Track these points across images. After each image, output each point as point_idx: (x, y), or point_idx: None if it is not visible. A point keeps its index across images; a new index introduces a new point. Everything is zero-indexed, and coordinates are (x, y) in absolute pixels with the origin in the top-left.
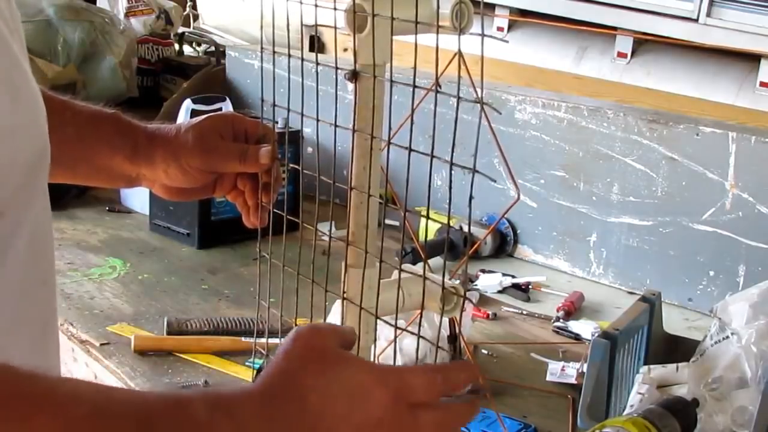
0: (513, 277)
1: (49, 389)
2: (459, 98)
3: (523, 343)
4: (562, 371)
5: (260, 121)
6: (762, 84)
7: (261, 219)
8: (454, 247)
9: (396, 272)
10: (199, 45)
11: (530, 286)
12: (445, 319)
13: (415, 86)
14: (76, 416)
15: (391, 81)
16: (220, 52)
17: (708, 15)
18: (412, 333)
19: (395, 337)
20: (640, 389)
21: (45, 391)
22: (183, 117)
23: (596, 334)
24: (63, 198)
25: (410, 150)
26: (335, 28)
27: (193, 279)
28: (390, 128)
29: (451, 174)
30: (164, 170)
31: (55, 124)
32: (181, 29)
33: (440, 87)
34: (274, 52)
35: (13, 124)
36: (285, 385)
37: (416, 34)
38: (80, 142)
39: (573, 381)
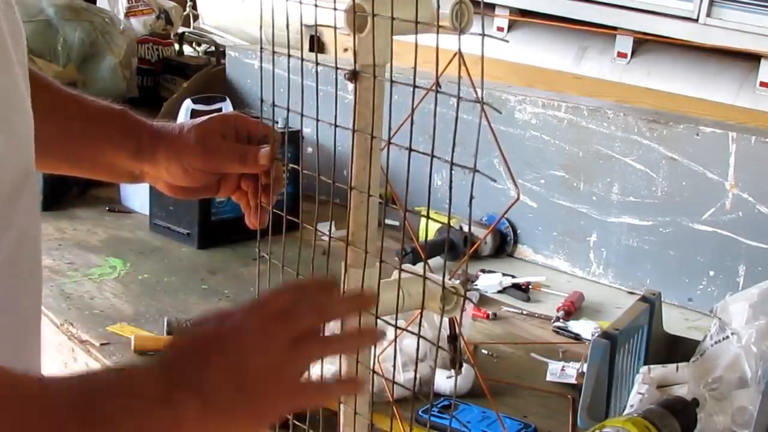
0: (513, 277)
1: None
2: (459, 98)
3: (523, 343)
4: (562, 371)
5: (264, 121)
6: (762, 84)
7: (261, 220)
8: (454, 247)
9: (396, 272)
10: (199, 45)
11: (530, 286)
12: (445, 319)
13: (415, 86)
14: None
15: (391, 81)
16: (220, 52)
17: (708, 15)
18: (412, 333)
19: (395, 337)
20: (640, 389)
21: None
22: (183, 117)
23: (596, 334)
24: (63, 198)
25: (410, 150)
26: (335, 28)
27: (193, 279)
28: (390, 128)
29: (451, 174)
30: (166, 168)
31: (62, 118)
32: (181, 29)
33: (440, 87)
34: (273, 52)
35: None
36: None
37: (416, 34)
38: (85, 138)
39: (573, 381)
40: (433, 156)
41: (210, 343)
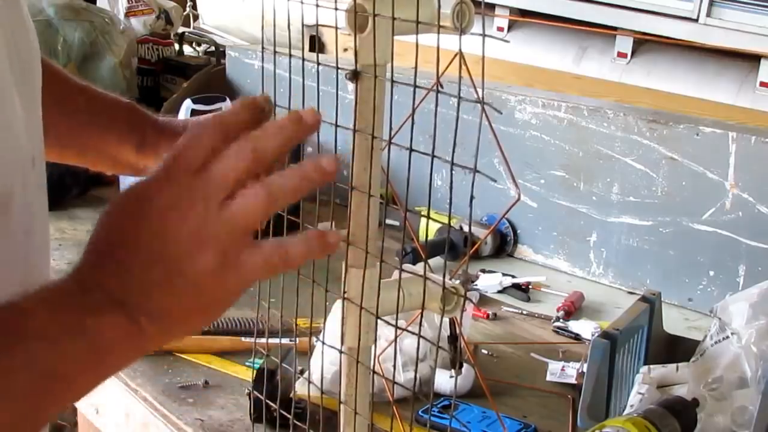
0: (513, 277)
1: None
2: (460, 98)
3: (523, 343)
4: (562, 371)
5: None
6: (762, 84)
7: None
8: (454, 247)
9: (396, 272)
10: (199, 45)
11: (530, 286)
12: (446, 319)
13: (415, 86)
14: None
15: (392, 81)
16: (220, 52)
17: (708, 15)
18: (413, 333)
19: (395, 337)
20: (640, 389)
21: None
22: (183, 117)
23: (596, 334)
24: (63, 198)
25: (411, 150)
26: (336, 28)
27: None
28: (390, 128)
29: (451, 174)
30: None
31: (70, 109)
32: (181, 29)
33: (441, 87)
34: (274, 52)
35: None
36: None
37: (417, 34)
38: (91, 129)
39: (573, 381)
40: (433, 156)
41: (122, 237)
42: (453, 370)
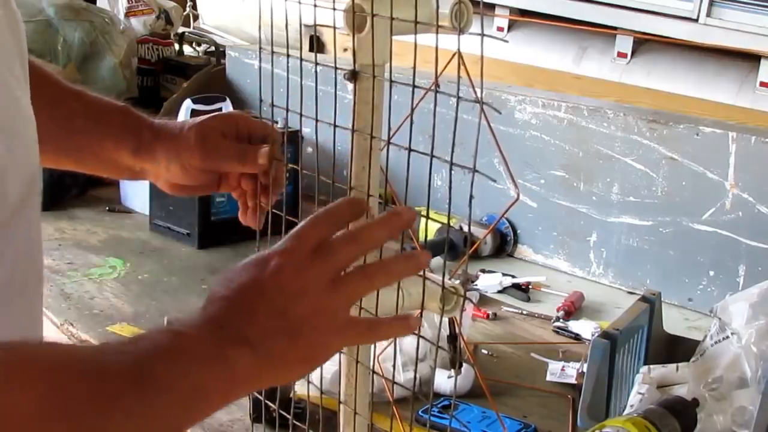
0: (513, 277)
1: (32, 355)
2: (459, 98)
3: (523, 343)
4: (562, 371)
5: (267, 122)
6: (762, 84)
7: (258, 221)
8: (454, 246)
9: None
10: (199, 45)
11: (530, 286)
12: (445, 319)
13: (414, 86)
14: (60, 381)
15: (391, 81)
16: (220, 52)
17: (708, 15)
18: (412, 333)
19: (395, 337)
20: (640, 389)
21: (27, 356)
22: (183, 117)
23: (596, 334)
24: (63, 198)
25: (410, 150)
26: (334, 28)
27: (193, 279)
28: (389, 128)
29: (451, 174)
30: (166, 167)
31: (65, 114)
32: (181, 29)
33: (440, 87)
34: (273, 52)
35: (5, 164)
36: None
37: (416, 33)
38: (87, 134)
39: (573, 381)
40: (432, 156)
41: (252, 292)
42: (453, 370)
